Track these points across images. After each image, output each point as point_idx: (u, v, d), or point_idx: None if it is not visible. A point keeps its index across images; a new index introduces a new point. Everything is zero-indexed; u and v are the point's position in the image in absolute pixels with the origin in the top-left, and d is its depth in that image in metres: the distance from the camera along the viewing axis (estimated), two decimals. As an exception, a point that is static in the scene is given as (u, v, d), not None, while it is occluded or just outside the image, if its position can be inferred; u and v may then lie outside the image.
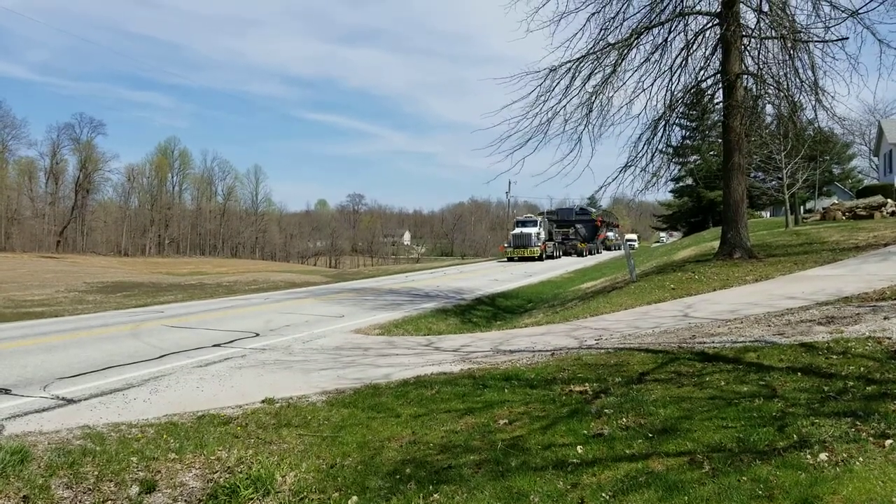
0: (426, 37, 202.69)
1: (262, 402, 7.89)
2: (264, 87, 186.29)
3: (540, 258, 47.41)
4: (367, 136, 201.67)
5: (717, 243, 21.44)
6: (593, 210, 65.68)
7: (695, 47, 19.24)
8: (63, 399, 8.30)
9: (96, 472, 5.76)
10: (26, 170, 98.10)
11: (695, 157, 57.06)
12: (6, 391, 8.65)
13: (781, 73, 18.33)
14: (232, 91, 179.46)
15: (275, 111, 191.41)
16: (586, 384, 7.18)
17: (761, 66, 18.86)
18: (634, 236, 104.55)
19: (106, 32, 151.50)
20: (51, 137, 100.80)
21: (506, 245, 50.72)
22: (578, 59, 18.05)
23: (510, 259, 48.56)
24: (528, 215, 55.13)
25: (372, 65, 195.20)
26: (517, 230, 49.43)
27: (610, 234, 76.30)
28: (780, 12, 17.54)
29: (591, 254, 60.63)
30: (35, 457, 5.94)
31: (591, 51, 18.09)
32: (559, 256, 53.45)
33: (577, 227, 62.69)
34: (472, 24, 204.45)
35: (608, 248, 72.54)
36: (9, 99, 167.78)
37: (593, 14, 18.26)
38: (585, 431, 5.71)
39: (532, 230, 48.51)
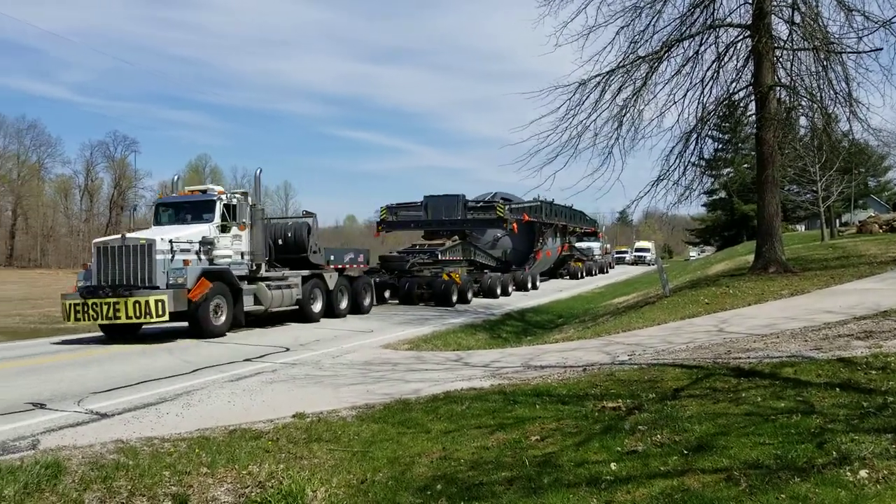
0: (456, 54, 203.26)
1: (293, 416, 7.89)
2: (296, 106, 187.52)
3: (205, 329, 15.11)
4: (397, 152, 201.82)
5: (751, 257, 21.14)
6: (504, 203, 30.74)
7: (726, 59, 19.19)
8: (97, 413, 8.39)
9: (129, 487, 5.80)
10: (62, 187, 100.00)
11: (728, 169, 56.44)
12: (41, 405, 8.76)
13: (815, 85, 18.19)
14: (264, 109, 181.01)
15: (306, 129, 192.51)
16: (619, 400, 7.08)
17: (794, 78, 18.71)
18: (649, 245, 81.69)
19: (143, 54, 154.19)
20: (84, 155, 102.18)
21: (79, 283, 15.51)
22: (608, 72, 18.04)
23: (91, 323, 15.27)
24: (208, 188, 17.35)
25: (403, 83, 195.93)
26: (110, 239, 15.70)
27: (594, 245, 48.83)
28: (812, 23, 17.37)
29: (491, 296, 28.02)
30: (69, 471, 5.99)
31: (621, 64, 18.09)
32: (342, 312, 19.97)
33: (471, 242, 32.40)
34: (502, 40, 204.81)
35: (574, 276, 42.83)
36: (43, 118, 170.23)
37: (623, 27, 18.29)
38: (619, 448, 5.62)
39: (183, 231, 15.76)
